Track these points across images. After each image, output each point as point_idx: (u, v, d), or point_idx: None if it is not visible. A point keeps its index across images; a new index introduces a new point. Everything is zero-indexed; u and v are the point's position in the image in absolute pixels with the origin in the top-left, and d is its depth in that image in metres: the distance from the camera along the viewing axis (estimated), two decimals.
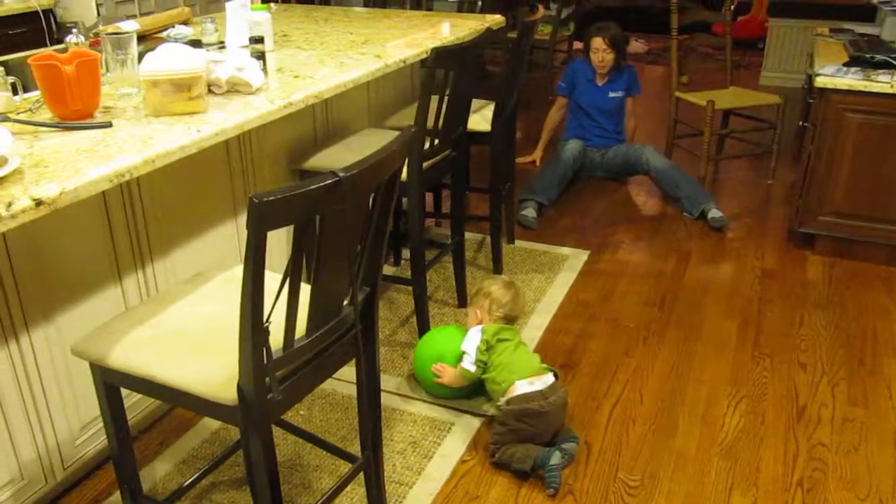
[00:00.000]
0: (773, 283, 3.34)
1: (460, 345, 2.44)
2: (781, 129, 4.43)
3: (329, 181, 1.34)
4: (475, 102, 3.19)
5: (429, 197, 3.71)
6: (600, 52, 4.18)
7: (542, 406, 2.23)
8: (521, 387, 2.27)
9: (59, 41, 2.49)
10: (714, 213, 3.90)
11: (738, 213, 4.07)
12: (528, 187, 4.05)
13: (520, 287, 2.63)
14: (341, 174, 1.35)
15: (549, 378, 2.31)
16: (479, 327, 2.44)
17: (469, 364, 2.39)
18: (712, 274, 3.44)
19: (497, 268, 3.35)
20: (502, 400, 2.30)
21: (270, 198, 1.25)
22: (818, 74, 3.33)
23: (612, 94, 4.28)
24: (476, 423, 2.42)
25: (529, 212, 3.89)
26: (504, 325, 2.48)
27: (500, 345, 2.39)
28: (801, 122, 5.03)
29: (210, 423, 2.40)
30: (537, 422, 2.23)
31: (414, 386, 2.58)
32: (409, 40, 3.01)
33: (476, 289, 2.60)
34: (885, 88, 3.18)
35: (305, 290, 1.50)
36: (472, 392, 2.50)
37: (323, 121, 2.91)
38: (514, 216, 3.72)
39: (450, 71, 2.60)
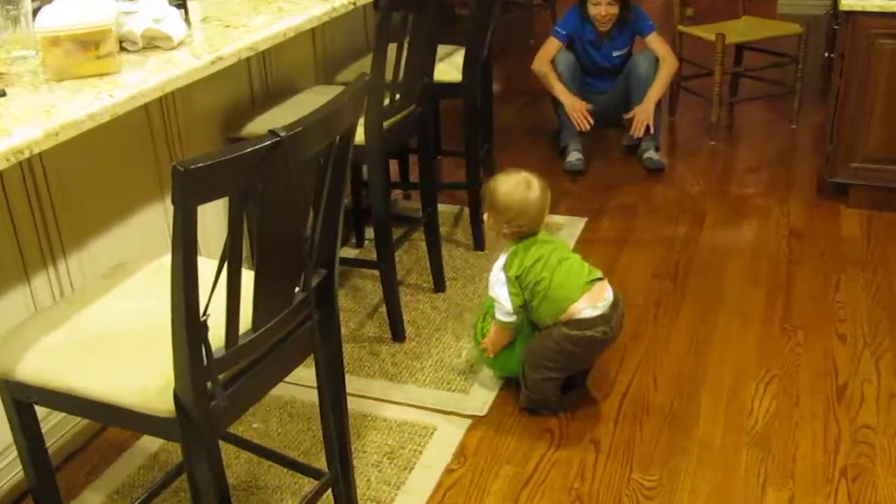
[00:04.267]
0: (803, 242, 3.37)
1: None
2: (804, 63, 4.46)
3: (268, 142, 1.33)
4: (442, 49, 3.18)
5: (393, 164, 3.69)
6: (603, 4, 4.03)
7: (606, 333, 2.31)
8: (585, 310, 2.30)
9: None
10: (651, 154, 4.05)
11: (759, 165, 4.10)
12: (563, 129, 4.12)
13: (536, 180, 2.36)
14: (282, 133, 1.35)
15: (608, 293, 2.35)
16: (501, 261, 2.35)
17: (504, 315, 2.34)
18: (732, 236, 3.46)
19: (478, 243, 3.36)
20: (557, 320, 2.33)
21: (198, 164, 1.24)
22: None
23: (616, 54, 4.22)
24: (464, 424, 2.43)
25: (574, 155, 4.03)
26: (529, 239, 2.35)
27: (536, 270, 2.30)
28: (826, 54, 5.06)
29: (148, 445, 2.38)
30: (595, 347, 2.34)
31: (386, 386, 2.59)
32: None
33: (482, 188, 2.42)
34: None
35: (249, 276, 1.49)
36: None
37: (261, 79, 2.89)
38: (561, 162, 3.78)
39: (409, 12, 2.58)
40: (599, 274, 2.39)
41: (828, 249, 3.31)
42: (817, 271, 3.16)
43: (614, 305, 2.36)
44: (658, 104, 4.11)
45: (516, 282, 2.32)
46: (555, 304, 2.32)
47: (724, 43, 4.26)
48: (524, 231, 2.36)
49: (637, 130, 4.02)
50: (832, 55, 4.56)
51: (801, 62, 4.42)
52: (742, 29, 4.57)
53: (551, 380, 2.39)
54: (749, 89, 4.85)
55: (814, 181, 3.86)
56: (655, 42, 4.15)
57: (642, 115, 4.01)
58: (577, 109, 4.04)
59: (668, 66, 4.11)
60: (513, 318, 2.36)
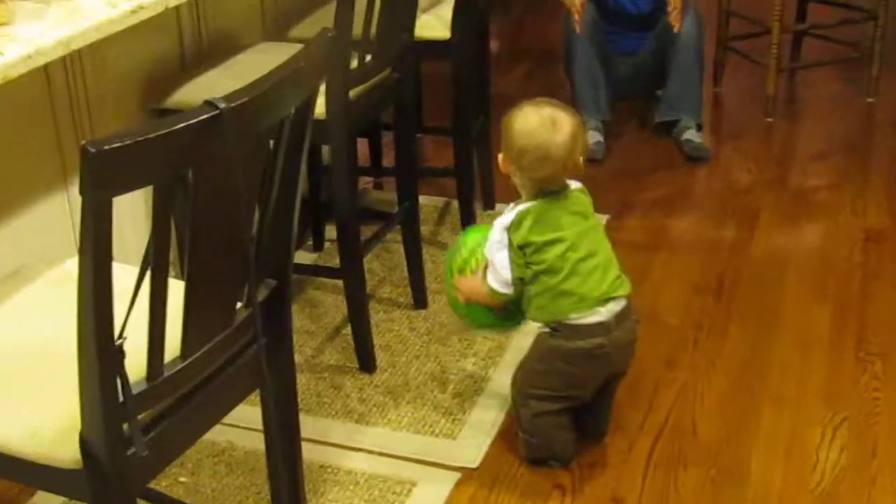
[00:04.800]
0: (883, 249, 3.40)
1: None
2: (886, 19, 4.49)
3: (203, 117, 1.33)
4: None
5: (363, 144, 3.70)
6: None
7: (603, 347, 2.31)
8: (591, 316, 2.31)
9: None
10: (691, 136, 4.05)
11: (827, 149, 4.13)
12: (578, 103, 4.05)
13: (566, 117, 2.29)
14: (222, 105, 1.35)
15: (619, 299, 2.35)
16: (508, 217, 2.29)
17: (499, 283, 2.34)
18: (792, 240, 3.48)
19: None
20: (547, 327, 2.34)
21: (114, 144, 1.24)
22: None
23: None
24: (451, 479, 2.43)
25: (593, 136, 4.00)
26: (549, 197, 2.31)
27: (548, 256, 2.28)
28: None
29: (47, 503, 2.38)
30: (592, 365, 2.33)
31: (352, 429, 2.59)
32: None
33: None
34: None
35: (179, 287, 1.49)
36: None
37: (193, 33, 2.89)
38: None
39: None
40: (625, 290, 2.37)
41: None
42: None
43: (621, 316, 2.34)
44: (698, 69, 4.12)
45: (520, 252, 2.29)
46: (552, 306, 2.32)
47: None
48: (544, 185, 2.32)
49: (674, 17, 3.98)
50: None
51: (881, 18, 4.46)
52: None
53: (547, 414, 2.39)
54: (815, 52, 4.90)
55: (895, 171, 3.90)
56: None
57: None
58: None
59: None
60: (508, 291, 2.33)
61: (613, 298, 2.32)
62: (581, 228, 2.32)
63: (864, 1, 4.59)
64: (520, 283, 2.32)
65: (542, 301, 2.33)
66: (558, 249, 2.28)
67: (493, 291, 2.36)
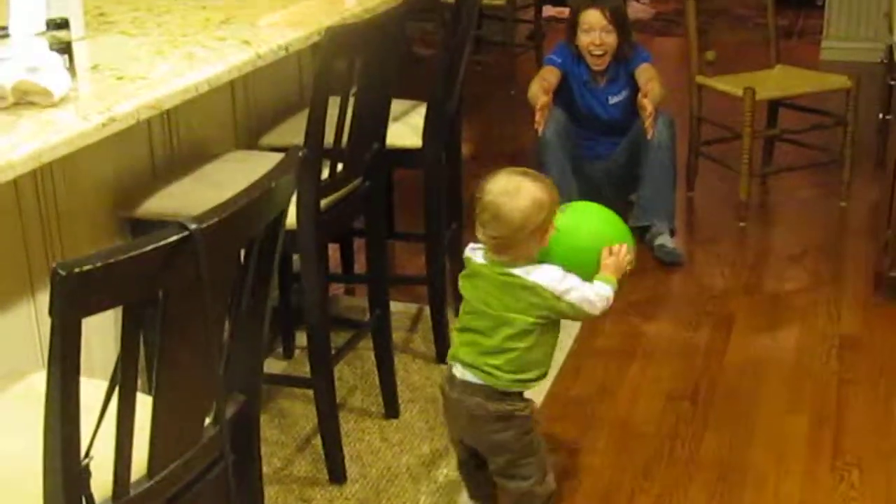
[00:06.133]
0: (858, 354, 3.43)
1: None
2: (855, 125, 4.57)
3: (173, 238, 1.35)
4: (397, 104, 3.24)
5: (334, 249, 3.72)
6: (597, 31, 4.16)
7: (444, 390, 2.52)
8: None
9: None
10: (664, 241, 4.11)
11: (801, 253, 4.18)
12: None
13: (540, 184, 2.45)
14: (192, 226, 1.37)
15: (469, 375, 2.46)
16: (547, 273, 2.40)
17: (599, 297, 2.45)
18: (767, 347, 3.51)
19: (442, 353, 3.36)
20: None
21: (85, 267, 1.26)
22: None
23: (613, 100, 4.35)
24: None
25: None
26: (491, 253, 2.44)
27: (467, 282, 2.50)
28: (881, 115, 5.18)
29: None
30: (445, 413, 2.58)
31: None
32: (294, 15, 3.04)
33: None
34: None
35: (146, 403, 1.50)
36: None
37: (165, 142, 2.91)
38: None
39: (355, 59, 2.64)
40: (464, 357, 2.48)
41: (889, 364, 3.37)
42: (876, 392, 3.21)
43: (463, 387, 2.46)
44: (671, 174, 4.20)
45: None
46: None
47: (754, 99, 4.37)
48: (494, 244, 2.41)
49: (649, 124, 4.01)
50: (888, 116, 4.69)
51: (850, 124, 4.54)
52: (776, 81, 4.70)
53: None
54: (787, 157, 4.98)
55: (870, 275, 3.94)
56: (647, 70, 4.24)
57: (651, 97, 4.02)
58: (538, 98, 4.08)
59: (660, 82, 4.20)
60: (609, 291, 2.44)
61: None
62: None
63: (834, 107, 4.68)
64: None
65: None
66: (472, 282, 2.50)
67: (605, 301, 2.45)
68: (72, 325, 1.30)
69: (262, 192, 1.51)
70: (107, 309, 1.33)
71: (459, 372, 2.45)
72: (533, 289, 2.35)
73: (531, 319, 2.37)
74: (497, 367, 2.39)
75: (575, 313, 2.42)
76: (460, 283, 2.51)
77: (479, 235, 2.42)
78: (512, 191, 2.38)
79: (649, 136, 4.04)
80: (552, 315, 2.39)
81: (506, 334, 2.39)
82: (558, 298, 2.35)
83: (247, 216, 1.49)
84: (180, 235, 1.36)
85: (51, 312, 1.28)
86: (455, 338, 2.51)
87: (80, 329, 1.31)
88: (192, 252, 1.38)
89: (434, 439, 2.97)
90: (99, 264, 1.28)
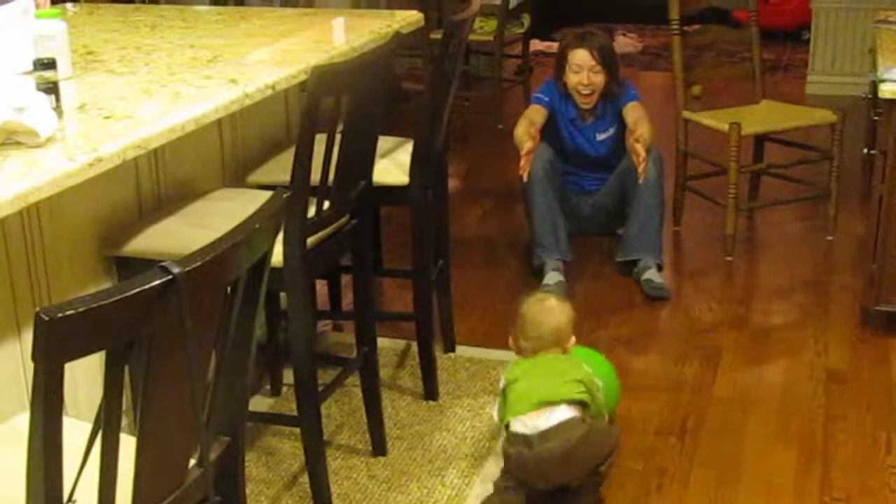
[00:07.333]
0: (845, 389, 3.43)
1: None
2: (841, 159, 4.60)
3: (157, 281, 1.36)
4: (383, 142, 3.26)
5: (322, 287, 3.73)
6: (585, 70, 4.20)
7: (522, 455, 2.63)
8: (516, 425, 2.70)
9: None
10: (651, 276, 4.13)
11: (788, 288, 4.20)
12: (537, 243, 4.19)
13: (558, 304, 2.92)
14: (175, 270, 1.37)
15: (556, 414, 2.66)
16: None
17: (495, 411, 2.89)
18: (754, 381, 3.51)
19: (429, 389, 3.37)
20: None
21: (68, 312, 1.26)
22: (883, 80, 3.50)
23: (600, 137, 4.38)
24: None
25: (552, 276, 4.08)
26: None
27: (516, 381, 2.78)
28: (866, 150, 5.22)
29: None
30: (525, 475, 2.66)
31: None
32: (281, 53, 3.07)
33: None
34: None
35: (129, 445, 1.50)
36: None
37: (151, 181, 2.92)
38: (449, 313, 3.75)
39: (342, 97, 2.66)
40: (578, 396, 2.71)
41: (876, 399, 3.37)
42: (863, 427, 3.21)
43: (550, 433, 2.61)
44: (659, 209, 4.22)
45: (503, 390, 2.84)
46: (505, 410, 2.77)
47: (739, 134, 4.40)
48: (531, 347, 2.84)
49: (642, 169, 4.02)
50: (872, 151, 4.71)
51: (836, 158, 4.57)
52: (762, 116, 4.73)
53: (508, 490, 2.72)
54: (773, 191, 5.00)
55: (857, 309, 3.94)
56: (635, 109, 4.28)
57: (643, 142, 4.04)
58: (523, 142, 4.09)
59: (647, 123, 4.23)
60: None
61: (548, 410, 2.66)
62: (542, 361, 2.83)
63: (820, 141, 4.71)
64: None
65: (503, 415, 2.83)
66: (520, 370, 2.85)
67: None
68: (55, 370, 1.30)
69: (246, 234, 1.51)
70: (91, 353, 1.33)
71: (544, 419, 2.67)
72: None
73: None
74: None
75: None
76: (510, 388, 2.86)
77: (521, 343, 2.90)
78: (545, 310, 2.92)
79: (640, 181, 4.07)
80: None
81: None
82: None
83: (230, 259, 1.49)
84: (163, 279, 1.37)
85: (34, 358, 1.29)
86: (511, 409, 2.76)
87: (62, 374, 1.31)
88: (176, 296, 1.38)
89: (422, 477, 2.96)
90: (82, 309, 1.28)
